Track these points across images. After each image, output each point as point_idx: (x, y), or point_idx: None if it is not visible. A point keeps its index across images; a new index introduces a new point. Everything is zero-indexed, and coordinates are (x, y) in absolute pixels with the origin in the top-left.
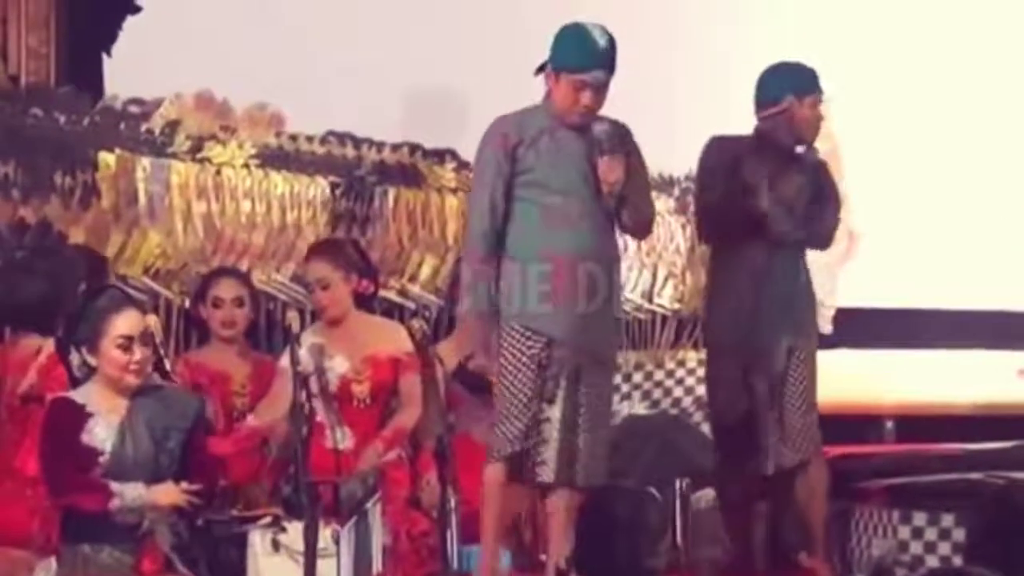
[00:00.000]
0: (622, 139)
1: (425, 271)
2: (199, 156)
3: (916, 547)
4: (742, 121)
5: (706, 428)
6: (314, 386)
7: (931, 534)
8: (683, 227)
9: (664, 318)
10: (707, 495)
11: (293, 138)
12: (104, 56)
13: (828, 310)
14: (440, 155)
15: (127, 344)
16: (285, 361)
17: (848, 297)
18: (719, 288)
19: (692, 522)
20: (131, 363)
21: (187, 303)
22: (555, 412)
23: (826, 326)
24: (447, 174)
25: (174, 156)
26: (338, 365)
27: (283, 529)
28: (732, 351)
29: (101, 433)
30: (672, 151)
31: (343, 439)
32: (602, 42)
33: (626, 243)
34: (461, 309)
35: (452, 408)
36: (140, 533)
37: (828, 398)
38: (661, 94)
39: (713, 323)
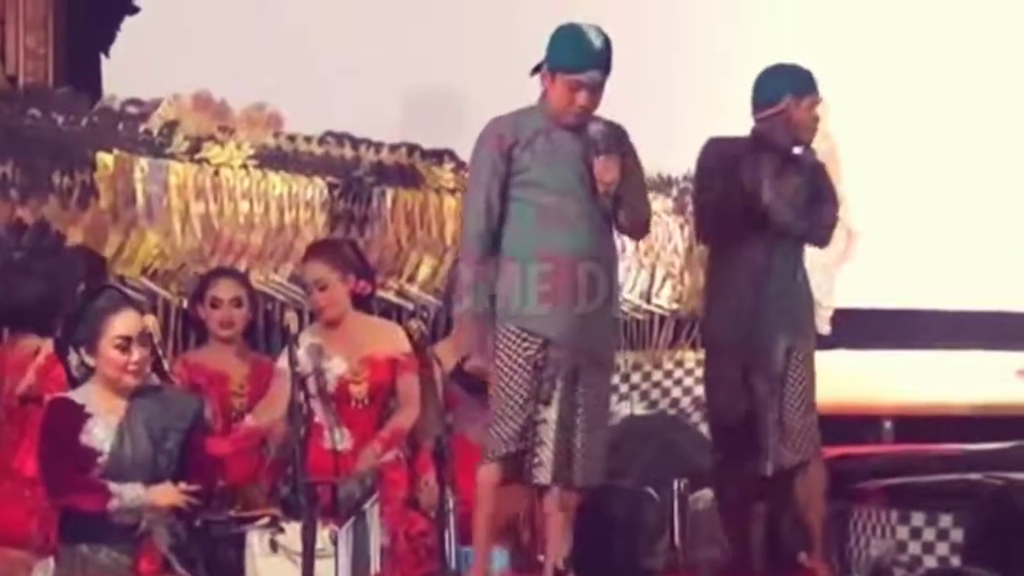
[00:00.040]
0: (618, 139)
1: (423, 272)
2: (197, 156)
3: (914, 547)
4: (740, 121)
5: (704, 428)
6: (312, 387)
7: (929, 534)
8: (681, 227)
9: (662, 318)
10: (705, 495)
11: (291, 138)
12: (102, 57)
13: (826, 310)
14: (438, 155)
15: (125, 344)
16: (283, 362)
17: (846, 298)
18: (718, 289)
19: (690, 523)
20: (129, 364)
21: (185, 303)
22: (551, 413)
23: (824, 326)
24: (445, 174)
25: (172, 156)
26: (336, 366)
27: (281, 530)
28: (731, 351)
29: (100, 434)
30: (670, 151)
31: (341, 440)
32: (598, 42)
33: (624, 243)
34: (458, 310)
35: (450, 409)
36: (138, 533)
37: (826, 398)
38: (659, 94)
39: (712, 323)
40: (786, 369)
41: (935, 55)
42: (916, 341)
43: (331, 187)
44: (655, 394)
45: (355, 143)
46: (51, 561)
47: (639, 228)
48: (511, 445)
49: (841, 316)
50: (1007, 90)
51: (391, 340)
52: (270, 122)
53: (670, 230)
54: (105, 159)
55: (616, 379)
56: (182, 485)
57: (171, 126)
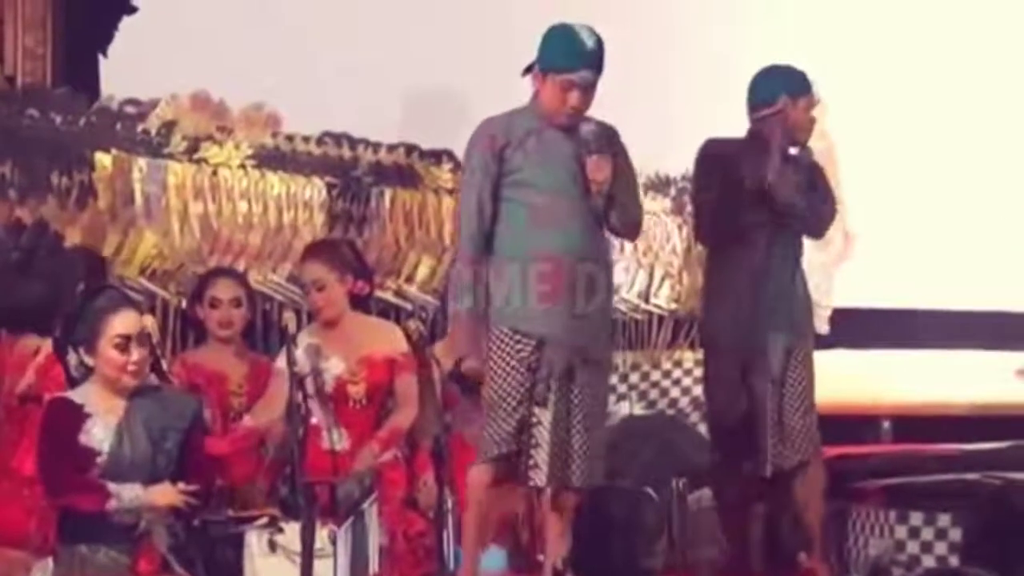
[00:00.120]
0: (609, 140)
1: (422, 272)
2: (195, 157)
3: (913, 547)
4: (739, 122)
5: (703, 428)
6: (310, 387)
7: (928, 534)
8: (679, 227)
9: (661, 318)
10: (704, 495)
11: (289, 139)
12: (100, 57)
13: (824, 310)
14: (437, 156)
15: (124, 344)
16: (281, 362)
17: (844, 297)
18: (716, 289)
19: (689, 523)
20: (128, 363)
21: (184, 303)
22: (546, 415)
23: (823, 326)
24: (444, 175)
25: (170, 157)
26: (334, 366)
27: (280, 530)
28: (729, 351)
29: (99, 433)
30: (669, 151)
31: (339, 440)
32: (590, 42)
33: (623, 244)
34: (452, 310)
35: (448, 409)
36: (137, 533)
37: (825, 398)
38: (658, 94)
39: (710, 323)
40: (785, 369)
41: (933, 55)
42: (914, 341)
43: (329, 187)
44: (653, 394)
45: (353, 143)
46: (50, 561)
47: (631, 228)
48: (504, 447)
49: (839, 316)
50: (1006, 90)
51: (389, 340)
52: (268, 122)
53: (668, 230)
54: (103, 159)
55: (614, 379)
56: (181, 485)
57: (169, 126)
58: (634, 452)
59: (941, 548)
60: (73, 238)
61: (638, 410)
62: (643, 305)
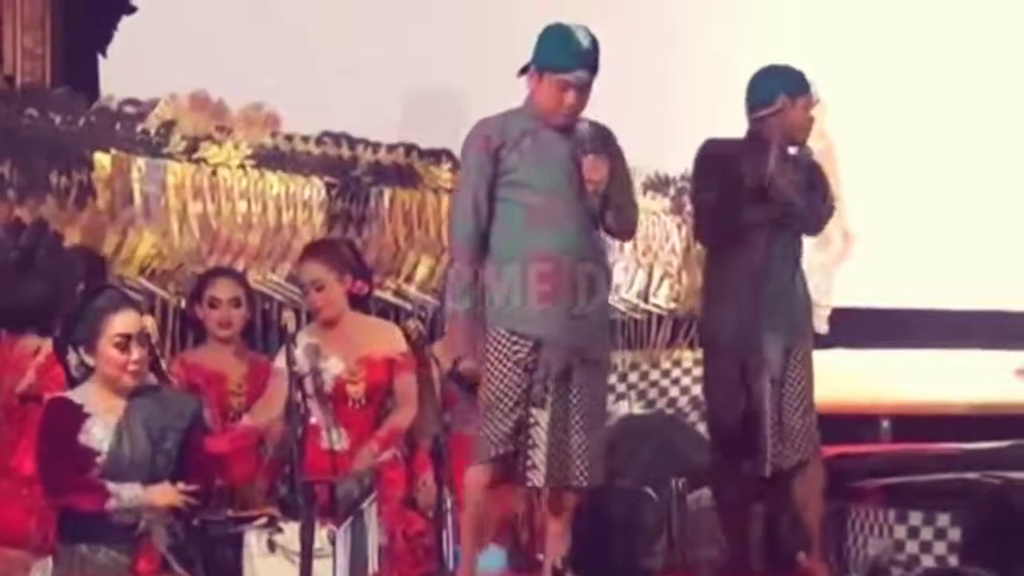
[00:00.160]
0: (605, 140)
1: (421, 271)
2: (195, 156)
3: (912, 547)
4: (738, 121)
5: (702, 428)
6: (309, 387)
7: (927, 534)
8: (679, 227)
9: (660, 318)
10: (704, 495)
11: (289, 138)
12: (100, 56)
13: (824, 310)
14: (436, 155)
15: (124, 343)
16: (280, 361)
17: (844, 297)
18: (716, 288)
19: (688, 522)
20: (129, 363)
21: (183, 303)
22: (544, 416)
23: (822, 326)
24: (443, 174)
25: (170, 156)
26: (333, 366)
27: (279, 529)
28: (729, 351)
29: (98, 433)
30: (668, 151)
31: (338, 440)
32: (585, 42)
33: (622, 243)
34: (449, 311)
35: (448, 408)
36: (136, 533)
37: (824, 398)
38: (657, 94)
39: (709, 323)
40: (784, 369)
41: (933, 55)
42: (914, 340)
43: (329, 187)
44: (653, 393)
45: (352, 143)
46: (49, 561)
47: (627, 229)
48: (501, 448)
49: (839, 316)
50: (1005, 90)
51: (388, 340)
52: (267, 122)
53: (668, 230)
54: (103, 159)
55: (613, 379)
56: (180, 485)
57: (168, 126)
58: (633, 452)
59: (940, 548)
60: (72, 238)
61: (637, 410)
62: (642, 305)
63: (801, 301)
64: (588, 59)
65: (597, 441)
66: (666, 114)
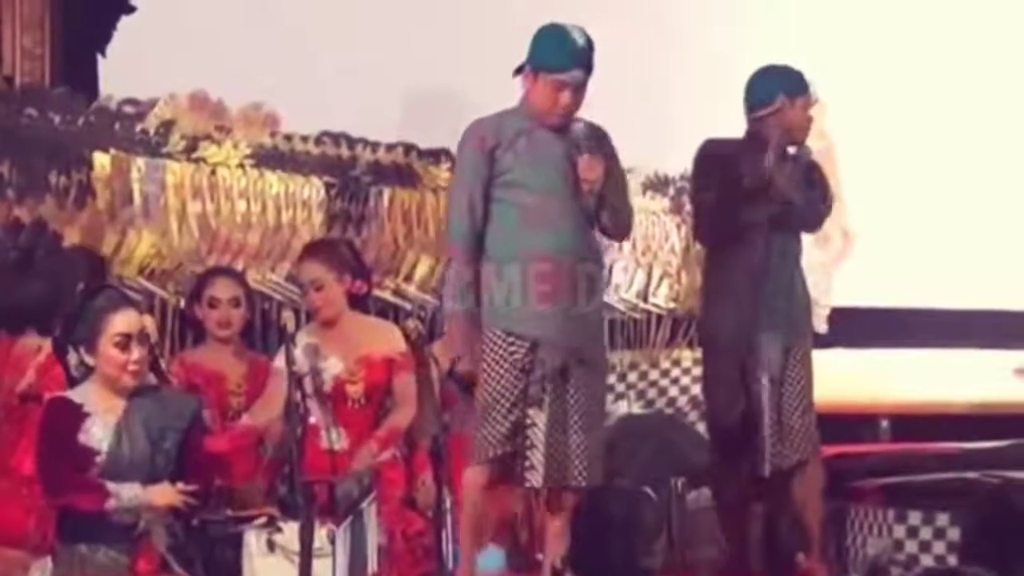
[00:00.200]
0: (600, 141)
1: (420, 271)
2: (194, 156)
3: (911, 546)
4: (738, 121)
5: (702, 427)
6: (308, 386)
7: (926, 533)
8: (678, 227)
9: (659, 317)
10: (703, 495)
11: (288, 138)
12: (99, 56)
13: (823, 309)
14: (435, 155)
15: (125, 343)
16: (280, 361)
17: (843, 296)
18: (715, 288)
19: (688, 522)
20: (129, 362)
21: (182, 303)
22: (541, 416)
23: (821, 325)
24: (442, 174)
25: (169, 156)
26: (332, 366)
27: (279, 529)
28: (728, 351)
29: (98, 433)
30: (668, 151)
31: (338, 439)
32: (581, 42)
33: (621, 243)
34: (447, 311)
35: (447, 408)
36: (136, 533)
37: (823, 397)
38: (657, 94)
39: (709, 323)
40: (784, 369)
41: (933, 55)
42: (913, 340)
43: (328, 186)
44: (652, 393)
45: (352, 143)
46: (49, 560)
47: (621, 229)
48: (499, 448)
49: (838, 315)
50: (1005, 90)
51: (387, 340)
52: (267, 121)
53: (667, 229)
54: (102, 159)
55: (613, 378)
56: (180, 485)
57: (168, 125)
58: (632, 451)
59: (939, 547)
60: (71, 238)
61: (636, 409)
62: (641, 304)
63: (800, 300)
64: (583, 59)
65: (596, 441)
66: (666, 114)
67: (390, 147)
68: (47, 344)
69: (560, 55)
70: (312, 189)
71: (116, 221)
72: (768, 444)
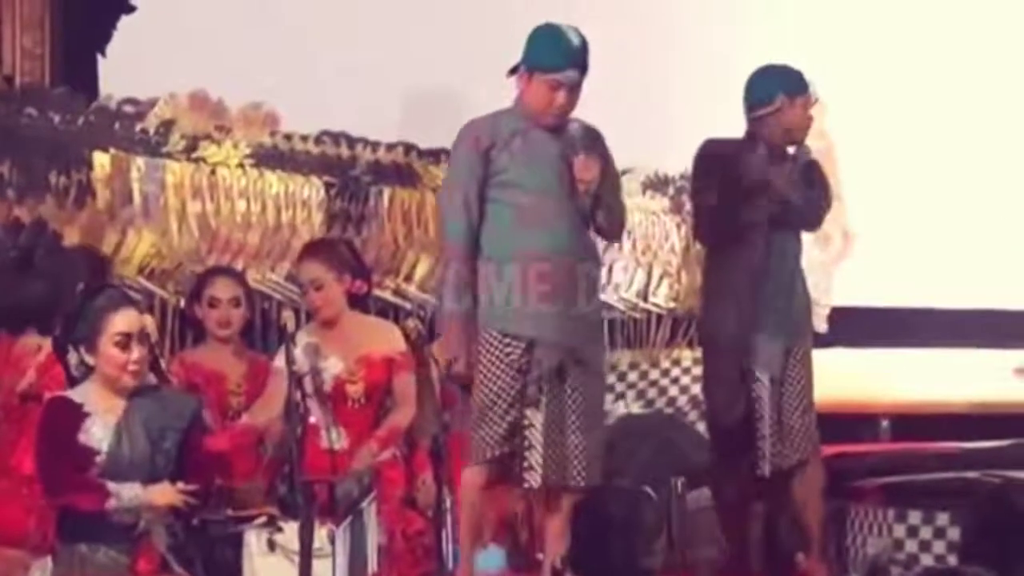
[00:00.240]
0: (594, 141)
1: (420, 271)
2: (194, 156)
3: (911, 546)
4: (738, 121)
5: (702, 427)
6: (308, 386)
7: (926, 533)
8: (678, 226)
9: (659, 317)
10: (703, 494)
11: (288, 138)
12: (99, 56)
13: (823, 309)
14: (435, 155)
15: (125, 342)
16: (280, 361)
17: (843, 296)
18: (715, 288)
19: (688, 522)
20: (129, 362)
21: (182, 303)
22: (539, 416)
23: (821, 325)
24: (442, 174)
25: (169, 156)
26: (332, 366)
27: (279, 529)
28: (728, 350)
29: (98, 433)
30: (668, 151)
31: (338, 439)
32: (576, 42)
33: (621, 243)
34: (445, 311)
35: (447, 407)
36: (136, 533)
37: (823, 397)
38: (657, 94)
39: (709, 322)
40: (784, 368)
41: (932, 55)
42: (913, 339)
43: (328, 186)
44: (652, 393)
45: (352, 142)
46: (49, 560)
47: (616, 229)
48: (496, 449)
49: (838, 315)
50: (1005, 90)
51: (387, 339)
52: (266, 121)
53: (667, 229)
54: (102, 158)
55: (613, 378)
56: (180, 485)
57: (167, 125)
58: (632, 451)
59: (939, 547)
60: (71, 237)
61: (637, 409)
62: (641, 304)
63: (801, 300)
64: (578, 59)
65: (594, 441)
66: (666, 114)
67: (390, 147)
68: (47, 343)
69: (555, 55)
70: (312, 189)
71: (116, 221)
72: (768, 444)
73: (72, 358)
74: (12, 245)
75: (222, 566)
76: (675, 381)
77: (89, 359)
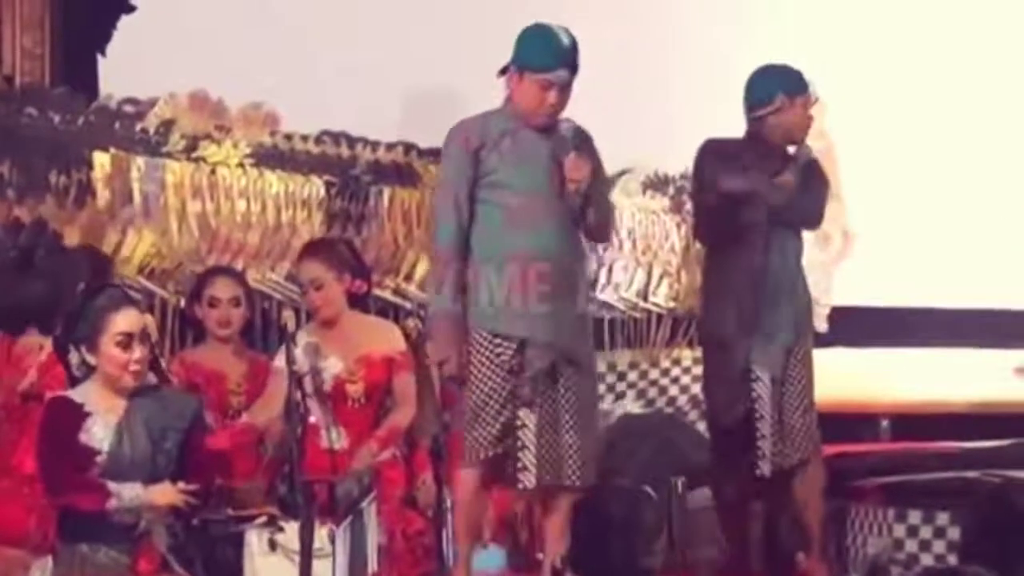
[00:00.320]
0: (584, 142)
1: (420, 270)
2: (194, 155)
3: (911, 545)
4: (739, 121)
5: (702, 427)
6: (309, 386)
7: (926, 532)
8: (678, 226)
9: (659, 317)
10: (703, 494)
11: (288, 137)
12: (99, 56)
13: (823, 309)
14: (435, 155)
15: (127, 342)
16: (280, 360)
17: (843, 296)
18: (715, 287)
19: (688, 521)
20: (131, 362)
21: (182, 302)
22: (532, 417)
23: (821, 324)
24: None
25: (169, 155)
26: (332, 365)
27: (279, 528)
28: (729, 350)
29: (99, 433)
30: (668, 150)
31: (338, 439)
32: (566, 42)
33: (621, 242)
34: (432, 313)
35: (447, 407)
36: (137, 533)
37: (824, 397)
38: (657, 94)
39: (709, 322)
40: (784, 368)
41: (933, 55)
42: (913, 339)
43: (328, 186)
44: (652, 392)
45: (352, 142)
46: (49, 560)
47: (604, 230)
48: (490, 450)
49: (838, 314)
50: (1005, 90)
51: (387, 339)
52: (266, 121)
53: (667, 229)
54: (102, 158)
55: (613, 378)
56: (181, 484)
57: (168, 125)
58: (632, 451)
59: (940, 546)
60: (71, 237)
61: (636, 408)
62: (641, 303)
63: (801, 300)
64: (569, 58)
65: (590, 441)
66: (666, 114)
67: (390, 146)
68: (48, 343)
69: (545, 55)
70: (312, 188)
71: (116, 221)
72: (769, 444)
73: (73, 358)
74: (12, 245)
75: (223, 566)
76: (675, 381)
77: (90, 359)
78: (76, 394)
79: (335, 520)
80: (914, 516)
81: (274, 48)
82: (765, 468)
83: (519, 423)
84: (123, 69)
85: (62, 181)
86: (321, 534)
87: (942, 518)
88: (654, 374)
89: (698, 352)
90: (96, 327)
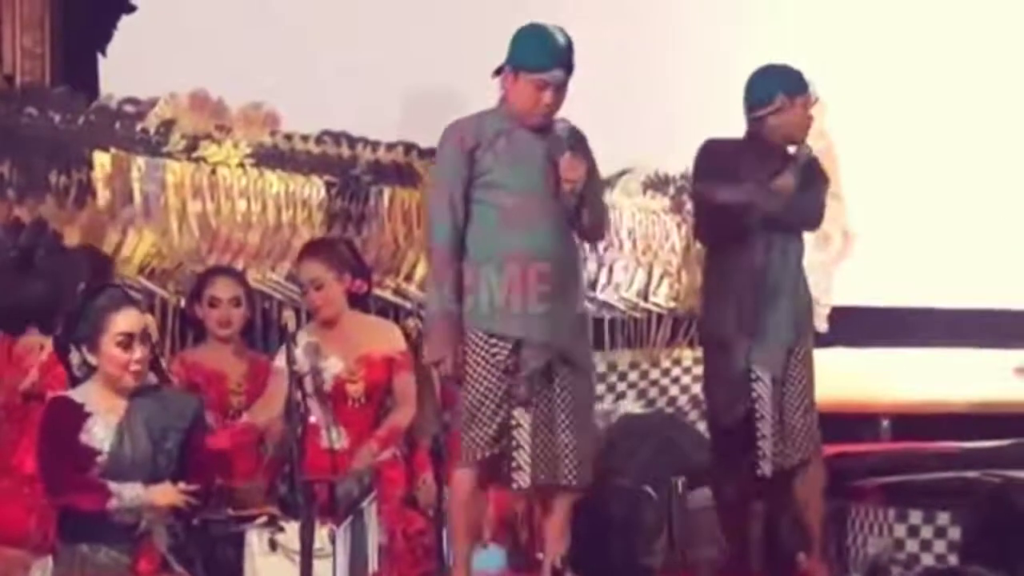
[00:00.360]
0: (579, 142)
1: (420, 270)
2: (194, 155)
3: (912, 545)
4: (739, 121)
5: (702, 427)
6: (309, 386)
7: (927, 532)
8: (678, 226)
9: (660, 317)
10: (703, 494)
11: (288, 137)
12: (99, 56)
13: (824, 309)
14: (435, 155)
15: (127, 342)
16: (280, 360)
17: (844, 296)
18: (715, 287)
19: (688, 521)
20: (131, 362)
21: (183, 302)
22: (526, 417)
23: (822, 325)
24: None
25: (169, 155)
26: (332, 365)
27: (280, 528)
28: (729, 350)
29: (99, 433)
30: (668, 150)
31: (338, 439)
32: (561, 42)
33: (621, 242)
34: (427, 313)
35: (447, 407)
36: (137, 533)
37: (824, 397)
38: (658, 94)
39: (709, 322)
40: (785, 368)
41: (933, 55)
42: (914, 339)
43: (328, 186)
44: (653, 392)
45: (352, 142)
46: (49, 560)
47: (599, 230)
48: (486, 450)
49: (838, 314)
50: (1005, 90)
51: (387, 339)
52: (267, 121)
53: (667, 228)
54: (102, 158)
55: (613, 377)
56: (181, 485)
57: (168, 125)
58: (633, 450)
59: (940, 546)
60: (72, 237)
61: (637, 408)
62: (642, 303)
63: (802, 300)
64: (564, 58)
65: (586, 441)
66: (666, 114)
67: (390, 146)
68: (49, 343)
69: (541, 55)
70: (312, 188)
71: (116, 221)
72: (769, 444)
73: (74, 358)
74: (12, 245)
75: (223, 566)
76: (676, 381)
77: (91, 359)
78: (77, 394)
79: (335, 520)
80: (915, 516)
81: (274, 48)
82: (766, 468)
83: (514, 423)
84: (123, 69)
85: (62, 181)
86: (321, 534)
87: (942, 518)
88: (655, 374)
89: (698, 352)
90: (97, 327)
